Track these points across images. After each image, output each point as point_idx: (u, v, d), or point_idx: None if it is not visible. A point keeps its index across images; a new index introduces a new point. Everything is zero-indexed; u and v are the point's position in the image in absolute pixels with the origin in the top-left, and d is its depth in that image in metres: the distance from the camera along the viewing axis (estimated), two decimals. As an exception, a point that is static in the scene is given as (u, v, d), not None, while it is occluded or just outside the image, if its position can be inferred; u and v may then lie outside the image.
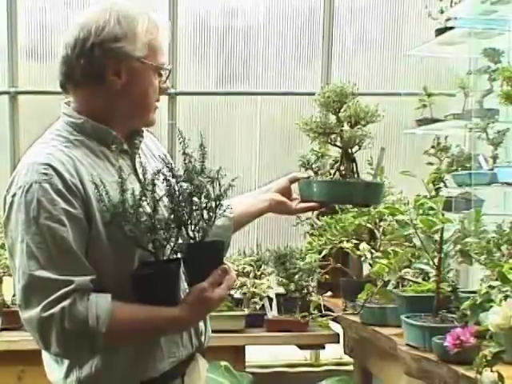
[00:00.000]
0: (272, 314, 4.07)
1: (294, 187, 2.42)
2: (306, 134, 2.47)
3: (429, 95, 4.32)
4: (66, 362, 1.90)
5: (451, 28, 4.06)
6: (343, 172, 2.41)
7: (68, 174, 1.83)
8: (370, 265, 3.37)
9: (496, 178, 3.67)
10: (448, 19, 4.15)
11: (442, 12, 4.16)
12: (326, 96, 2.40)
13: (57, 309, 1.74)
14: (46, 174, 1.82)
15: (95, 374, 1.89)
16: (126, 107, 1.99)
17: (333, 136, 2.42)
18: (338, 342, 3.89)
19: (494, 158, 3.81)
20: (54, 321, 1.74)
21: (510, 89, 3.42)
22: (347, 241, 3.52)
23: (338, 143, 2.41)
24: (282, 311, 4.03)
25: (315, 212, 4.39)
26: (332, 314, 3.71)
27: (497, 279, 2.26)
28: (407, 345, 2.54)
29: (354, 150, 2.41)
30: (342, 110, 2.40)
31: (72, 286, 1.76)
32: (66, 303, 1.74)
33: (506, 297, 2.06)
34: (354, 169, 2.41)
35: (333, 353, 4.97)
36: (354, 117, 2.37)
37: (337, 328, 3.85)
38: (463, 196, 3.89)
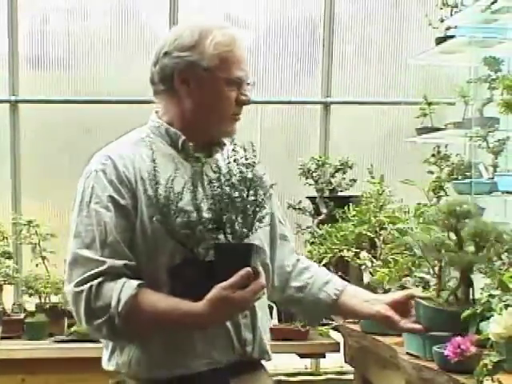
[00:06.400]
0: (272, 322, 4.06)
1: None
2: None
3: (429, 104, 4.32)
4: (110, 346, 2.05)
5: (451, 37, 4.07)
6: (458, 296, 2.28)
7: (124, 168, 2.00)
8: (371, 273, 3.37)
9: (496, 186, 3.66)
10: (448, 28, 4.15)
11: (442, 21, 4.17)
12: (438, 213, 2.32)
13: (86, 286, 1.90)
14: (104, 164, 2.01)
15: (129, 361, 2.01)
16: (194, 115, 2.10)
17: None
18: (339, 351, 3.88)
19: (495, 166, 3.80)
20: (83, 297, 1.90)
21: (510, 97, 3.42)
22: (348, 249, 3.52)
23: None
24: (283, 320, 4.02)
25: (315, 220, 4.40)
26: (332, 322, 3.70)
27: (497, 288, 2.26)
28: (408, 353, 2.54)
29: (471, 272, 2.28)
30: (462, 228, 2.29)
31: (103, 267, 1.91)
32: (94, 282, 1.90)
33: (506, 306, 2.05)
34: (470, 294, 2.28)
35: (333, 361, 4.96)
36: (480, 237, 2.25)
37: (337, 337, 3.85)
38: (464, 204, 3.88)
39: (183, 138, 2.09)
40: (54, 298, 4.09)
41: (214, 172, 1.95)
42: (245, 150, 1.94)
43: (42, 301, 4.09)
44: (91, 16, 5.04)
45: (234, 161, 1.93)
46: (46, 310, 4.03)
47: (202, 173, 2.00)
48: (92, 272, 1.91)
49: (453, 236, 2.33)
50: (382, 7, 5.24)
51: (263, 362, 2.20)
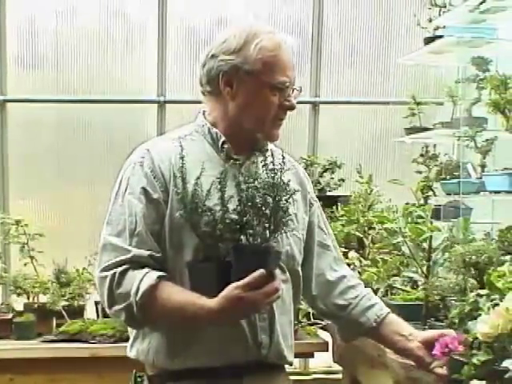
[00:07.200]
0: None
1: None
2: None
3: (417, 104, 4.33)
4: (134, 333, 2.14)
5: (440, 37, 4.08)
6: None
7: (160, 162, 2.07)
8: (359, 273, 3.37)
9: (484, 186, 3.67)
10: (437, 28, 4.16)
11: (430, 21, 4.18)
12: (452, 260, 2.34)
13: (110, 272, 1.98)
14: (142, 158, 2.09)
15: (148, 350, 2.09)
16: (237, 117, 2.13)
17: None
18: (327, 351, 3.88)
19: (483, 166, 3.81)
20: (106, 283, 1.98)
21: (498, 97, 3.43)
22: (336, 249, 3.52)
23: None
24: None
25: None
26: (321, 322, 3.71)
27: (485, 287, 2.27)
28: (396, 353, 2.54)
29: None
30: None
31: (129, 256, 1.99)
32: (118, 270, 1.98)
33: (494, 305, 2.06)
34: None
35: (322, 361, 4.96)
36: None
37: (326, 336, 3.85)
38: (452, 204, 3.89)
39: (223, 138, 2.14)
40: (43, 298, 4.07)
41: (241, 174, 1.99)
42: (272, 156, 1.96)
43: (31, 300, 4.07)
44: (80, 15, 5.02)
45: (263, 166, 1.96)
46: (34, 309, 4.02)
47: (234, 174, 2.02)
48: (117, 259, 1.99)
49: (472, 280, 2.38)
50: (370, 7, 5.25)
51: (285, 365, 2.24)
